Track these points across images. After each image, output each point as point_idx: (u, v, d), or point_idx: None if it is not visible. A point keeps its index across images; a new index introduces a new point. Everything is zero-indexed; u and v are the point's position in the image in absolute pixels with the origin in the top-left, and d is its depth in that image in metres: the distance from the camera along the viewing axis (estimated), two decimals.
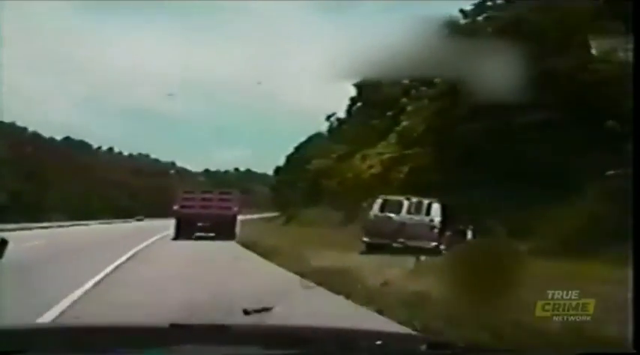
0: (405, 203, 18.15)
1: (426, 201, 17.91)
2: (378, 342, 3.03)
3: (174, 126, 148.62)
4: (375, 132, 33.51)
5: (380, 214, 17.92)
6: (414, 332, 6.41)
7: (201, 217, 26.99)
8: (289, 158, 61.73)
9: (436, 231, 17.19)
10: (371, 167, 27.43)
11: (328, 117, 54.86)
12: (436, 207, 17.69)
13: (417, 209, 17.90)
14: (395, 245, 16.82)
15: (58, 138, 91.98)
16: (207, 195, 28.76)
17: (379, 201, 18.33)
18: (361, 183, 27.51)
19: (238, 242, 24.16)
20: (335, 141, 45.52)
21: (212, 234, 26.52)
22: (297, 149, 60.47)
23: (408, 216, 17.75)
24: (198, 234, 26.71)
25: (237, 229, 27.58)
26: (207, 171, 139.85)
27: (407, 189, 20.31)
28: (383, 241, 16.99)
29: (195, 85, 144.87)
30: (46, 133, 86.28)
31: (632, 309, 4.68)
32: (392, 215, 17.84)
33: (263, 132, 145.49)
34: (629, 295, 4.76)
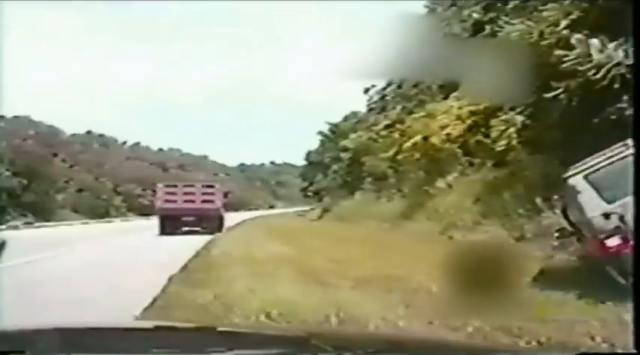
0: (572, 180, 8.83)
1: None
2: (376, 343, 2.94)
3: (209, 123, 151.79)
4: (443, 88, 23.65)
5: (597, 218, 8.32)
6: (413, 333, 5.86)
7: (185, 212, 25.91)
8: (323, 140, 51.34)
9: None
10: (444, 127, 17.32)
11: (366, 91, 43.77)
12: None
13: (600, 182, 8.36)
14: None
15: (81, 132, 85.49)
16: (190, 189, 27.50)
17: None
18: (430, 152, 17.71)
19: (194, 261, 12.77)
20: (379, 112, 35.65)
21: (197, 229, 25.48)
22: (333, 130, 50.19)
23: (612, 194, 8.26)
24: (184, 228, 25.77)
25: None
26: (242, 164, 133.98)
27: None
28: None
29: (227, 87, 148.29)
30: (69, 130, 79.07)
31: (632, 310, 4.67)
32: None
33: (295, 125, 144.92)
34: (630, 295, 4.76)
